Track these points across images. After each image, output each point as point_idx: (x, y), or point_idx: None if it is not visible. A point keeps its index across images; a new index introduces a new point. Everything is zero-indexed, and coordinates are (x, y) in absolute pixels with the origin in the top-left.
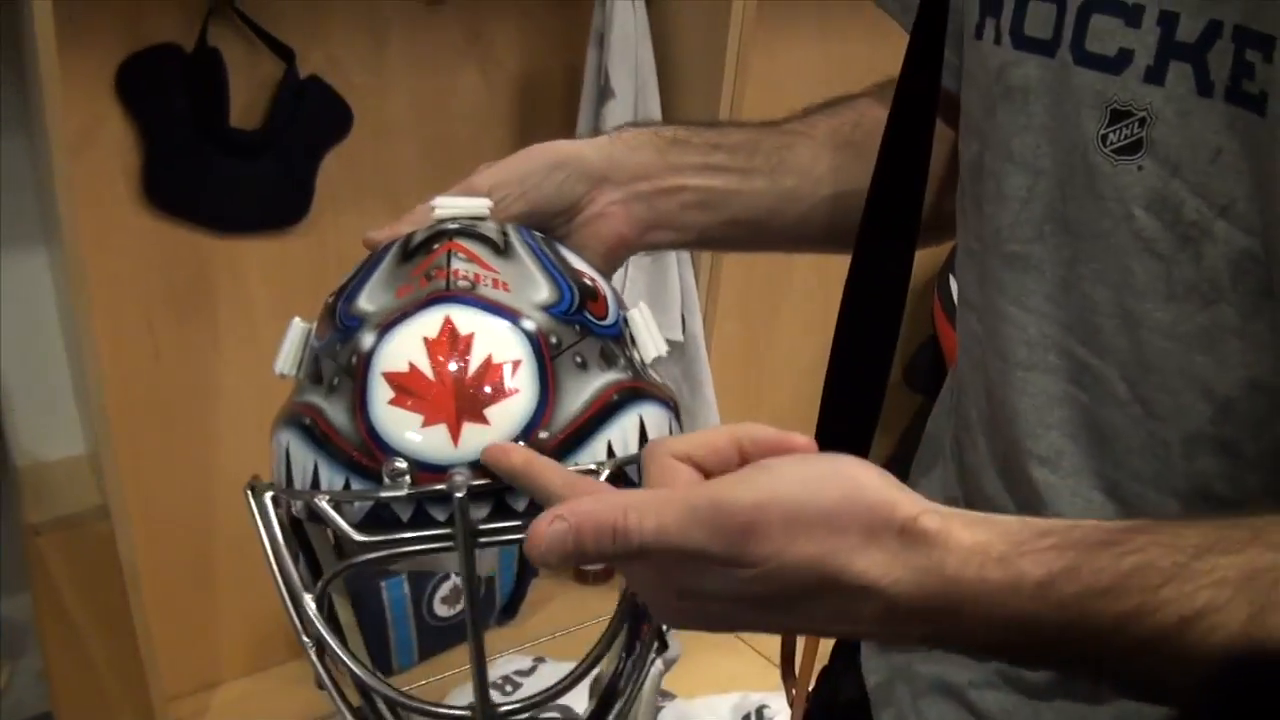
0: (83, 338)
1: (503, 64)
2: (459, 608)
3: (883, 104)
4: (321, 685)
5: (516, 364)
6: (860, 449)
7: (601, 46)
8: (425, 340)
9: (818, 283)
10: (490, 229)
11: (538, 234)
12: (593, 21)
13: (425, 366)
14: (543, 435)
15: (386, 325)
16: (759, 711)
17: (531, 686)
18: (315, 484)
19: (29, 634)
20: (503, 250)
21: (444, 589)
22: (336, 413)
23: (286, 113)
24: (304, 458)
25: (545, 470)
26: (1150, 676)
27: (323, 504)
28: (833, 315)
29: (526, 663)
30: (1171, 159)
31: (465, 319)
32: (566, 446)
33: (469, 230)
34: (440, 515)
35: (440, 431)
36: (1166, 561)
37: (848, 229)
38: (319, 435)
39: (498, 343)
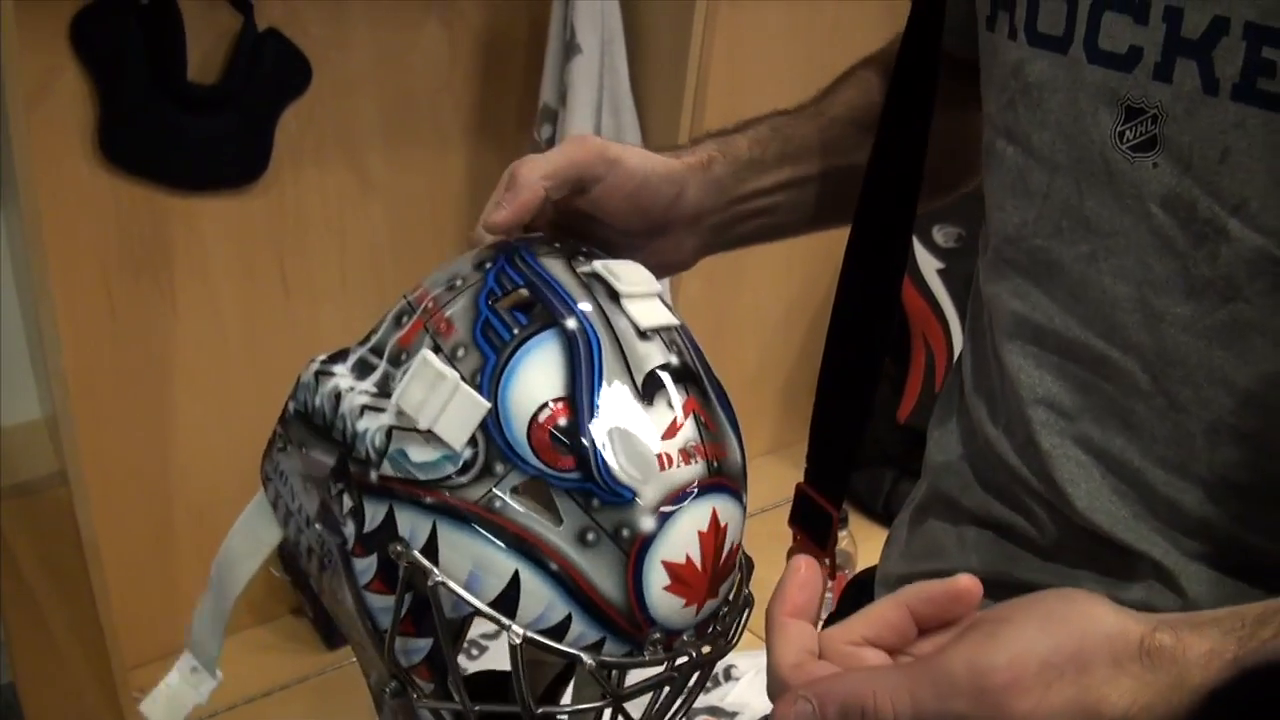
0: (40, 299)
1: (466, 17)
2: None
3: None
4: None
5: (740, 546)
6: (862, 420)
7: (567, 1)
8: (699, 534)
9: (782, 244)
10: (689, 353)
11: (685, 329)
12: None
13: (698, 560)
14: None
15: (666, 513)
16: (726, 671)
17: (497, 649)
18: (562, 631)
19: None
20: (704, 392)
21: None
22: (599, 575)
23: (245, 67)
24: (552, 603)
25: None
26: None
27: (593, 665)
28: (797, 276)
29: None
30: (1184, 157)
31: (723, 510)
32: None
33: (689, 371)
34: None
35: (693, 608)
36: None
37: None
38: (576, 591)
39: (737, 530)
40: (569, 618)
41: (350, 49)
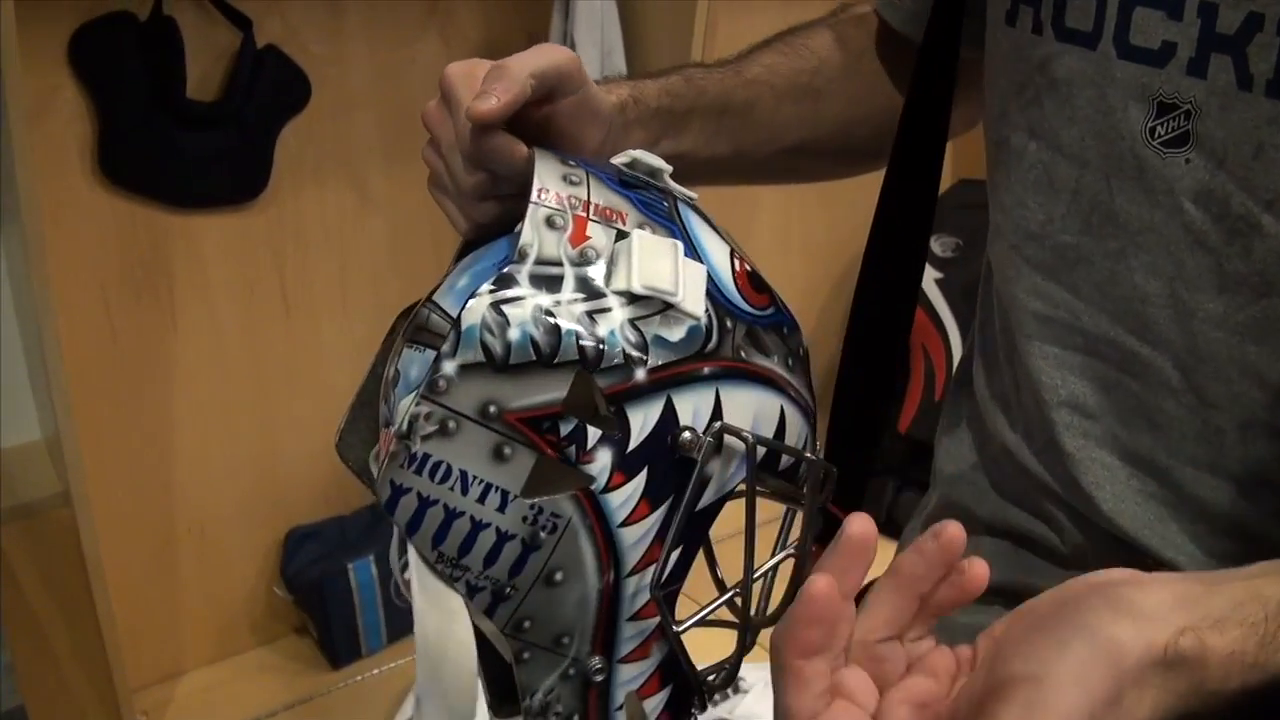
0: (43, 319)
1: (464, 32)
2: None
3: (838, 40)
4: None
5: None
6: (877, 433)
7: (566, 14)
8: None
9: (800, 258)
10: None
11: None
12: None
13: None
14: None
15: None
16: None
17: None
18: (804, 444)
19: None
20: None
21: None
22: (802, 389)
23: (244, 84)
24: (801, 429)
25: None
26: None
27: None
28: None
29: None
30: (1217, 152)
31: None
32: None
33: None
34: None
35: None
36: None
37: (802, 171)
38: (809, 414)
39: None
40: (806, 440)
41: (349, 65)
